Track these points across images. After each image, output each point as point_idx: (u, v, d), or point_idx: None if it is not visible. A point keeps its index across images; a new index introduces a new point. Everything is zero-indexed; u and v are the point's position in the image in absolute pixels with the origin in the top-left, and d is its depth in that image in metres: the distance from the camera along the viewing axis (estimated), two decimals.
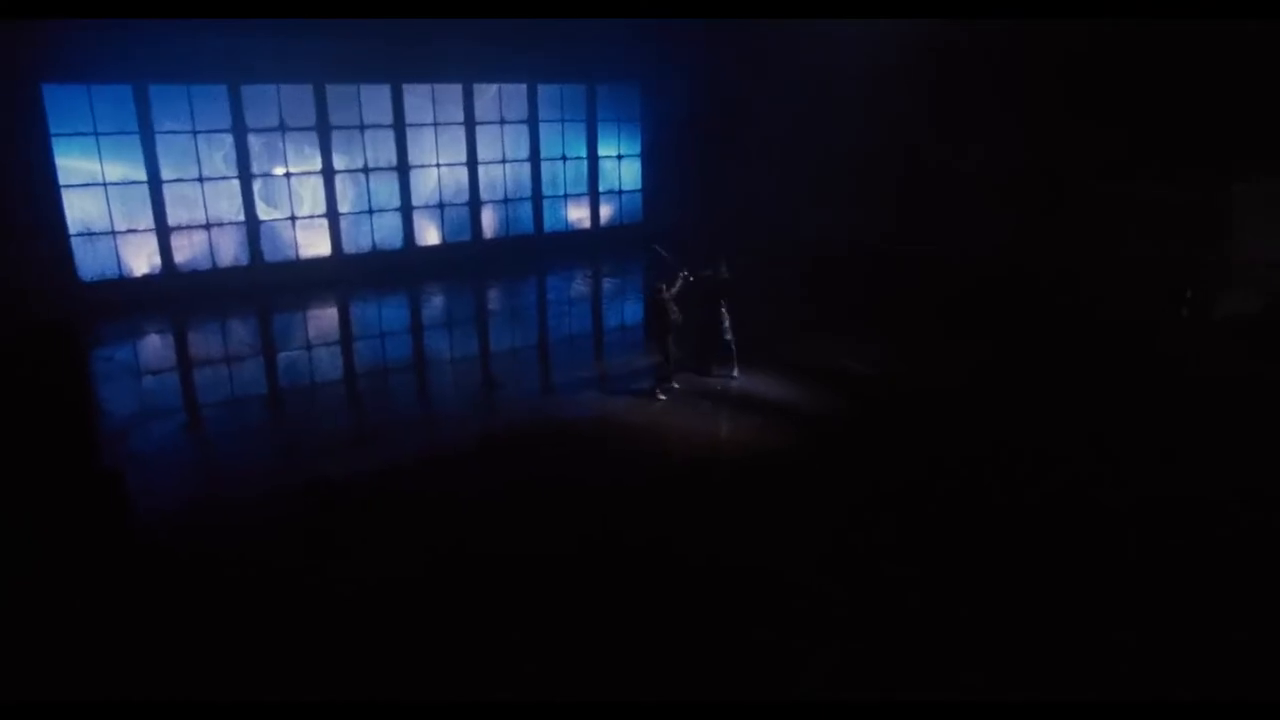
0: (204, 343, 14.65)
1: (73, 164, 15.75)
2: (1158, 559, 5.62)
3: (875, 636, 4.82)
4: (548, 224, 22.17)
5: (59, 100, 15.31)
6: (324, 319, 16.08)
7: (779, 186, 20.85)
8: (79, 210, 15.93)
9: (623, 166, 23.28)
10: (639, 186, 23.66)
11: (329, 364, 13.55)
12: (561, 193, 22.32)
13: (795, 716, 3.78)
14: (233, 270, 17.68)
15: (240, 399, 11.84)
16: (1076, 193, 15.16)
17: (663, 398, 10.91)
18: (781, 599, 5.47)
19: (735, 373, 11.68)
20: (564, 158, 22.09)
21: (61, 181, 15.57)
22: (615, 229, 23.30)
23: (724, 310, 11.56)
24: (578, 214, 22.89)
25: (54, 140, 15.34)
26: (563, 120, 21.78)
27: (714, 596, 5.50)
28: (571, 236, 22.56)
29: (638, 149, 23.36)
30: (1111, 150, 14.81)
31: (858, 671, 4.39)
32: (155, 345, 14.48)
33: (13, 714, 3.91)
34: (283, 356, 13.98)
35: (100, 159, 15.90)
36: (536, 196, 21.78)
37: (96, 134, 15.77)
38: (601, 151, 22.68)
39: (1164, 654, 4.29)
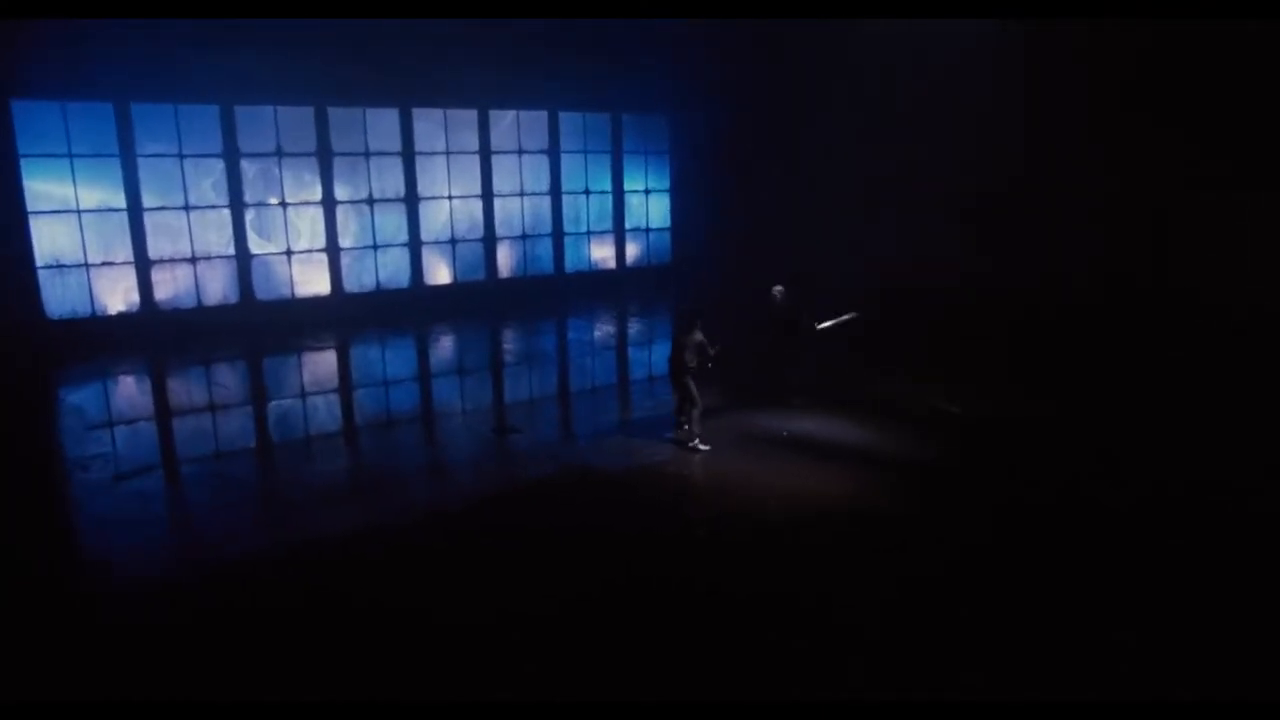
0: (179, 389, 12.90)
1: (43, 188, 14.33)
2: (1158, 559, 5.56)
3: (874, 636, 4.76)
4: (569, 263, 20.58)
5: (29, 118, 13.95)
6: (320, 364, 14.36)
7: (827, 218, 19.20)
8: (48, 240, 14.44)
9: (650, 202, 21.81)
10: (668, 224, 22.14)
11: (324, 412, 11.76)
12: (584, 229, 20.80)
13: (795, 716, 3.77)
14: (220, 309, 16.07)
15: (220, 450, 10.03)
16: (1180, 205, 13.39)
17: (705, 448, 9.18)
18: (786, 608, 5.34)
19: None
20: (587, 191, 20.62)
21: (30, 207, 14.11)
22: (642, 269, 21.69)
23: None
24: (602, 253, 21.33)
25: (22, 162, 13.93)
26: (585, 151, 20.39)
27: (717, 604, 5.38)
28: (595, 277, 20.95)
29: (666, 183, 21.93)
30: (1210, 159, 13.12)
31: (857, 671, 4.29)
32: (119, 391, 12.79)
33: (13, 714, 3.90)
34: (271, 404, 12.19)
35: (74, 183, 14.47)
36: (557, 233, 20.25)
37: (71, 155, 14.38)
38: (628, 185, 21.23)
39: (1164, 654, 4.22)
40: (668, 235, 22.16)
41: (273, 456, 9.88)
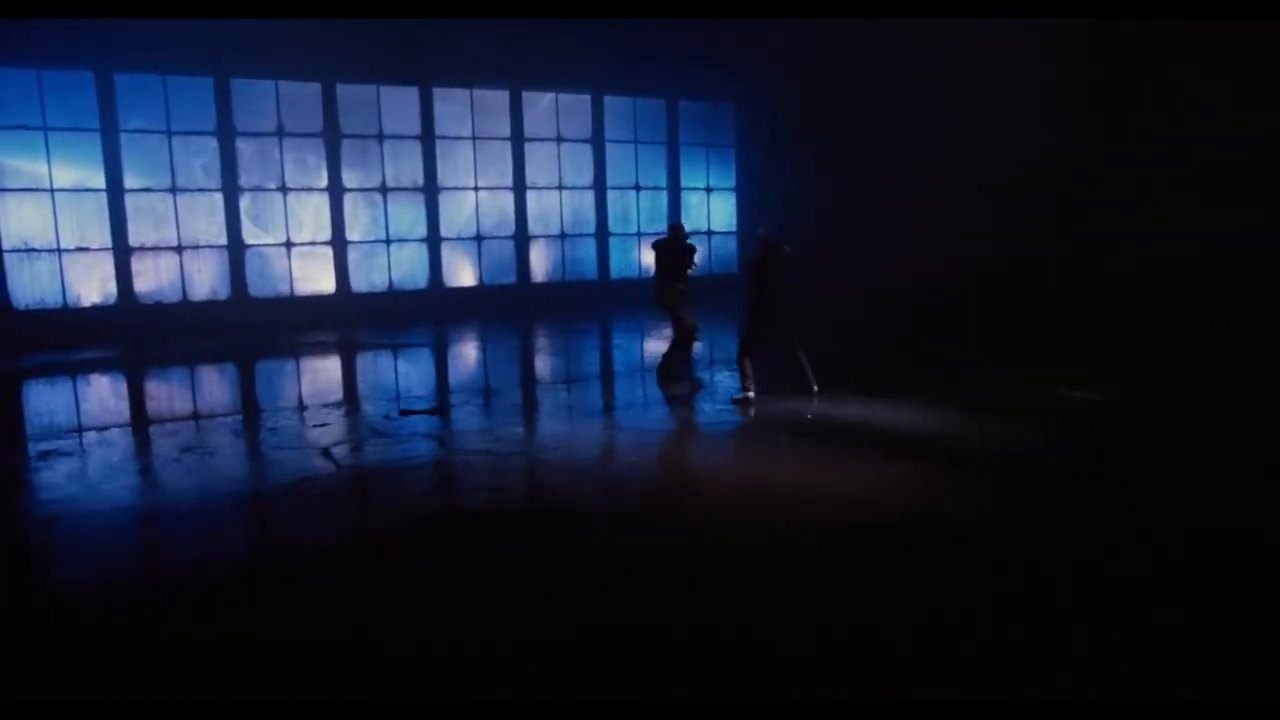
0: (146, 390, 11.57)
1: (13, 163, 13.54)
2: (1158, 558, 4.80)
3: (873, 636, 4.11)
4: (615, 268, 18.77)
5: (2, 86, 13.29)
6: (317, 372, 12.75)
7: (914, 220, 16.87)
8: (17, 220, 13.61)
9: (713, 201, 19.86)
10: (733, 227, 20.09)
11: (299, 427, 10.11)
12: (634, 230, 18.96)
13: (795, 716, 3.55)
14: (208, 305, 14.92)
15: (146, 460, 8.49)
16: None
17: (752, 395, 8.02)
18: (789, 612, 4.32)
19: (747, 393, 8.16)
20: (637, 187, 18.85)
21: None
22: (702, 279, 19.52)
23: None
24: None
25: None
26: (636, 142, 18.68)
27: (715, 602, 4.33)
28: (646, 285, 18.88)
29: (731, 181, 19.96)
30: None
31: (856, 671, 3.75)
32: (83, 390, 11.58)
33: (13, 714, 3.63)
34: (231, 414, 10.65)
35: (48, 159, 13.67)
36: (601, 233, 18.52)
37: (45, 128, 13.59)
38: (685, 182, 19.36)
39: (1164, 654, 3.85)
40: (733, 240, 20.09)
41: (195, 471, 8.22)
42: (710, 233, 19.82)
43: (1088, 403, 7.90)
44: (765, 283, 8.21)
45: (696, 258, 9.70)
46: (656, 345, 13.31)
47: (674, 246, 9.59)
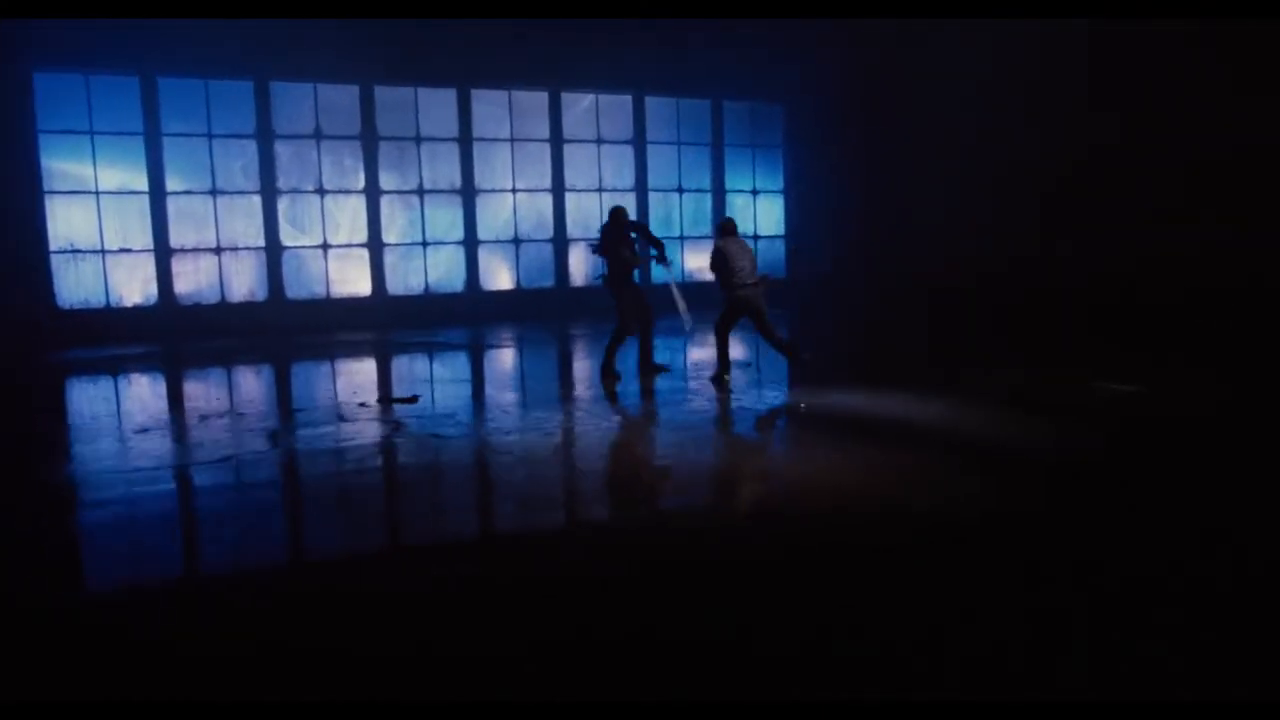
0: (141, 386, 11.87)
1: (61, 166, 14.08)
2: (1158, 558, 4.73)
3: (873, 636, 4.02)
4: (656, 273, 18.73)
5: (52, 91, 13.82)
6: (326, 371, 12.95)
7: (916, 220, 16.75)
8: (64, 222, 14.15)
9: (759, 204, 19.69)
10: (781, 231, 19.89)
11: (267, 413, 10.27)
12: (677, 233, 18.93)
13: (795, 716, 3.45)
14: (245, 306, 15.25)
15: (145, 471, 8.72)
16: None
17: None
18: (789, 612, 4.19)
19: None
20: (680, 189, 18.79)
21: (46, 187, 13.91)
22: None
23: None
24: (698, 262, 19.28)
25: (41, 137, 13.81)
26: (679, 143, 18.64)
27: (716, 602, 4.22)
28: (688, 290, 18.83)
29: (779, 183, 19.77)
30: None
31: (856, 671, 3.68)
32: (121, 389, 11.91)
33: (13, 714, 3.66)
34: (231, 419, 10.87)
35: (94, 162, 14.20)
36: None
37: (92, 132, 14.14)
38: (730, 184, 19.25)
39: (1164, 654, 3.78)
40: (781, 244, 19.88)
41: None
42: (756, 236, 19.63)
43: (1127, 394, 7.68)
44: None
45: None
46: (698, 353, 13.24)
47: (614, 231, 9.15)
